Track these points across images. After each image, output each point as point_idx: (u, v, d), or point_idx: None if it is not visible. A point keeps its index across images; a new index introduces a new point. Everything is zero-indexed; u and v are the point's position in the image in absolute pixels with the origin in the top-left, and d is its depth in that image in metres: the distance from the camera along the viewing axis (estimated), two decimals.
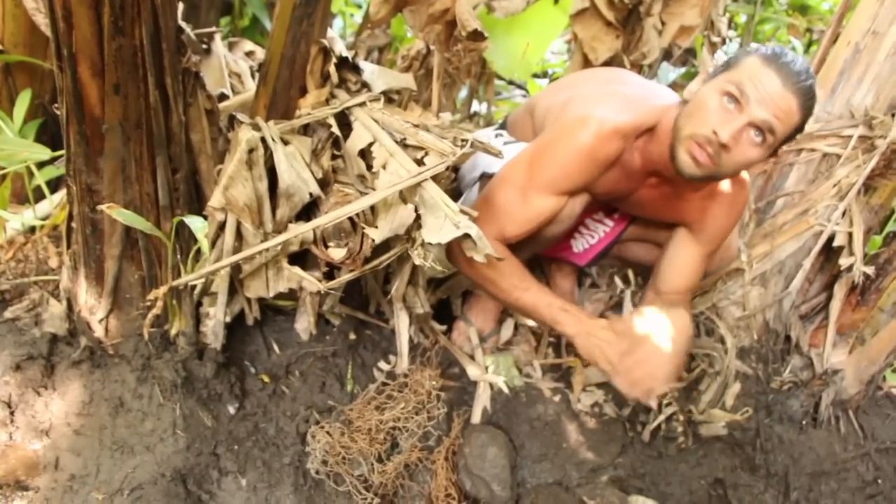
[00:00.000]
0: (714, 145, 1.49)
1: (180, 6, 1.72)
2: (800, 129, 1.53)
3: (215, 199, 1.53)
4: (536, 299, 1.69)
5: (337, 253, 1.55)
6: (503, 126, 2.08)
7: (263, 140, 1.56)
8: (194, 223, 1.43)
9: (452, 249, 1.62)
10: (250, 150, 1.54)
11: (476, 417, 1.99)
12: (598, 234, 2.06)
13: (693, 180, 1.59)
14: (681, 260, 1.87)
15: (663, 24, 2.56)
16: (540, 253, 2.05)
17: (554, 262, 2.29)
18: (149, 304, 1.58)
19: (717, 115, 1.49)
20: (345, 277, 1.59)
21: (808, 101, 1.48)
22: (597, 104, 1.65)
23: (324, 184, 1.63)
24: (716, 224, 1.81)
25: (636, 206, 1.87)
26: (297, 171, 1.57)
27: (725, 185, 1.76)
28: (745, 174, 1.76)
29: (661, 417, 2.10)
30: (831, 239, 2.22)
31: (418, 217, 1.47)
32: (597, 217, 2.02)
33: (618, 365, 1.64)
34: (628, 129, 1.63)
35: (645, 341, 1.64)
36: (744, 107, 1.47)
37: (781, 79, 1.45)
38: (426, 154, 1.52)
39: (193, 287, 1.66)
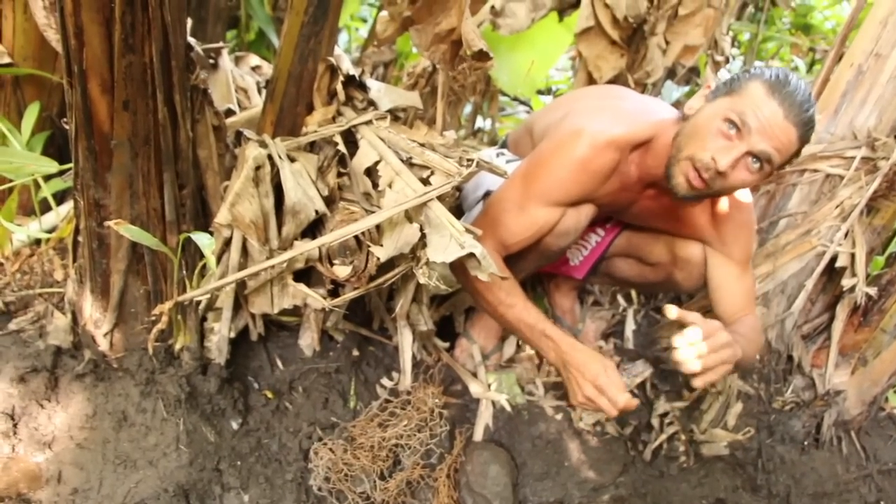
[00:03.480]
0: (711, 171, 1.50)
1: (188, 21, 1.73)
2: (796, 155, 1.55)
3: (222, 216, 1.54)
4: (520, 318, 1.66)
5: (342, 271, 1.56)
6: (504, 145, 2.10)
7: (270, 157, 1.57)
8: (201, 239, 1.44)
9: None
10: (257, 167, 1.55)
11: (478, 435, 1.99)
12: (590, 244, 2.08)
13: (686, 200, 1.61)
14: (717, 280, 1.84)
15: (667, 43, 2.58)
16: (539, 270, 2.06)
17: (552, 281, 2.30)
18: (154, 318, 1.59)
19: (717, 141, 1.50)
20: (349, 295, 1.60)
21: (807, 131, 1.50)
22: (591, 117, 1.67)
23: (329, 201, 1.63)
24: (729, 232, 1.80)
25: (638, 217, 1.88)
26: (303, 188, 1.57)
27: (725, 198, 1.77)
28: None
29: (663, 437, 2.10)
30: (834, 259, 2.23)
31: (423, 236, 1.47)
32: (588, 227, 2.02)
33: (585, 404, 1.60)
34: (622, 142, 1.64)
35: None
36: (744, 136, 1.48)
37: (784, 110, 1.45)
38: (432, 173, 1.52)
39: (198, 302, 1.67)
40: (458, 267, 1.55)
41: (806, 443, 2.23)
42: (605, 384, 1.57)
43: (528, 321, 1.66)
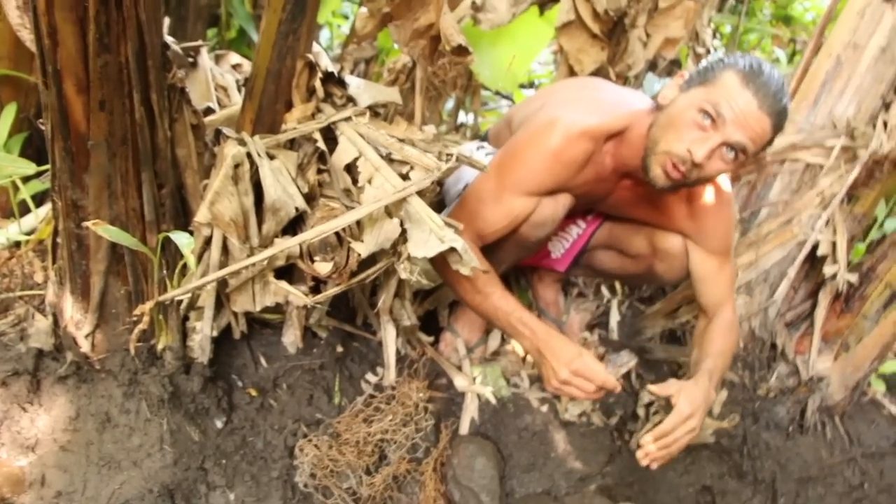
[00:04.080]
0: (688, 164, 1.51)
1: (167, 20, 1.72)
2: (769, 144, 1.56)
3: (201, 215, 1.53)
4: (497, 307, 1.66)
5: (323, 267, 1.56)
6: (485, 139, 2.10)
7: (249, 155, 1.57)
8: (180, 239, 1.43)
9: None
10: (236, 165, 1.54)
11: (464, 428, 1.99)
12: (572, 236, 2.08)
13: (663, 191, 1.62)
14: (699, 273, 1.87)
15: (648, 35, 2.58)
16: (521, 263, 2.06)
17: (535, 273, 2.31)
18: (135, 319, 1.58)
19: (692, 133, 1.51)
20: (331, 291, 1.60)
21: (780, 120, 1.51)
22: (566, 108, 1.67)
23: (310, 198, 1.63)
24: (708, 225, 1.82)
25: (616, 208, 1.89)
26: (282, 185, 1.57)
27: (703, 186, 1.77)
28: None
29: (649, 426, 2.11)
30: (815, 247, 2.25)
31: (404, 231, 1.47)
32: (570, 219, 2.03)
33: (560, 389, 1.60)
34: (596, 132, 1.64)
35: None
36: (719, 127, 1.49)
37: (758, 101, 1.47)
38: (411, 169, 1.53)
39: (180, 302, 1.66)
40: (436, 258, 1.56)
41: (790, 429, 2.25)
42: (581, 366, 1.57)
43: (505, 309, 1.66)
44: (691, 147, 1.49)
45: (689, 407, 1.59)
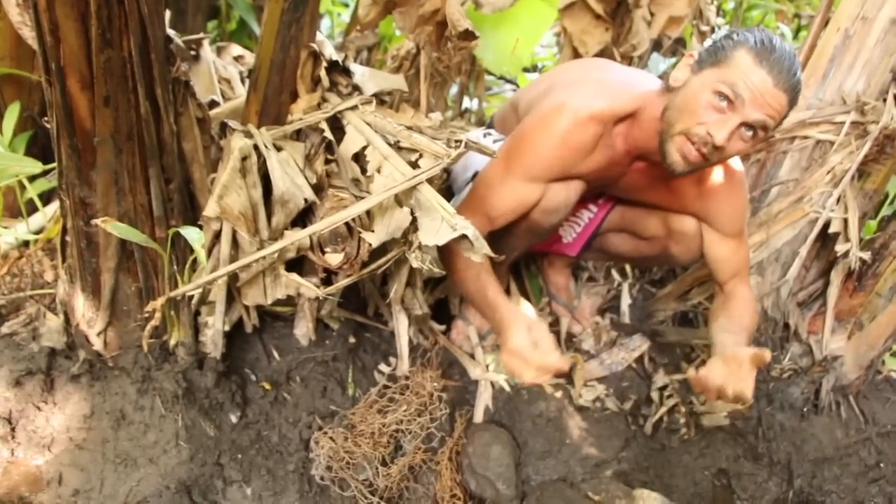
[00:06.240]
0: (708, 146, 1.49)
1: (167, 13, 1.70)
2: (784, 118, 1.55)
3: (210, 209, 1.52)
4: (476, 288, 1.64)
5: (334, 258, 1.55)
6: (491, 125, 2.09)
7: (256, 147, 1.55)
8: (190, 234, 1.42)
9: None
10: (243, 158, 1.53)
11: (478, 416, 1.99)
12: (583, 220, 2.07)
13: (681, 174, 1.60)
14: (714, 255, 1.87)
15: (652, 15, 2.56)
16: (532, 249, 2.05)
17: (546, 259, 2.30)
18: (147, 315, 1.58)
19: (710, 115, 1.49)
20: (342, 283, 1.59)
21: (796, 95, 1.50)
22: (574, 91, 1.65)
23: (318, 189, 1.62)
24: (722, 207, 1.81)
25: (628, 191, 1.88)
26: (291, 177, 1.56)
27: (715, 167, 1.76)
28: None
29: (663, 410, 2.11)
30: (827, 225, 2.22)
31: (414, 219, 1.46)
32: (581, 203, 2.02)
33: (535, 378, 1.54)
34: (605, 115, 1.62)
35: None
36: (737, 107, 1.47)
37: (773, 78, 1.45)
38: (420, 156, 1.51)
39: (191, 297, 1.66)
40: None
41: (805, 409, 2.24)
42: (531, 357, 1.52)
43: (480, 290, 1.64)
44: (711, 130, 1.48)
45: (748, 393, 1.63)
